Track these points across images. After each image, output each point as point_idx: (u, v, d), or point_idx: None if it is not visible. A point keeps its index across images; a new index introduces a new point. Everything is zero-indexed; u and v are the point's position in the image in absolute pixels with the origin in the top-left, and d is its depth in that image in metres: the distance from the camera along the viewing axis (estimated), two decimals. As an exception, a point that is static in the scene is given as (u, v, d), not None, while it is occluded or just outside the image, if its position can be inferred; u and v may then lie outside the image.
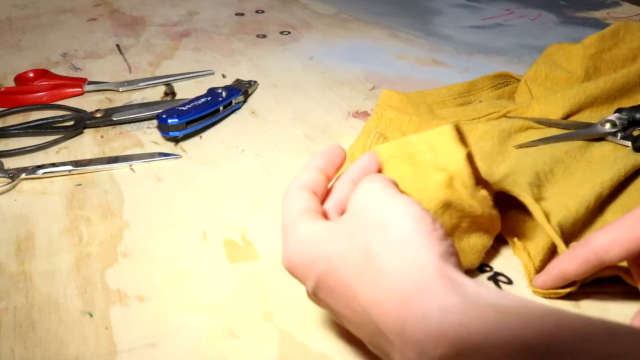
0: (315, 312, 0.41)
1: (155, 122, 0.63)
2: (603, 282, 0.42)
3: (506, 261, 0.45)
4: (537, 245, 0.44)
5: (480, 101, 0.65)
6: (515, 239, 0.45)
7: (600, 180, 0.48)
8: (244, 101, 0.68)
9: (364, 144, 0.55)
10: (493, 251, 0.46)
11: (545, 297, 0.42)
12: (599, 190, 0.47)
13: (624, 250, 0.37)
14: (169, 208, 0.52)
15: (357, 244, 0.32)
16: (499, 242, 0.46)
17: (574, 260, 0.39)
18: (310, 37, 0.85)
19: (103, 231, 0.49)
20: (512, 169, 0.49)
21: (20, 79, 0.72)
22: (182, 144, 0.61)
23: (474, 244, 0.43)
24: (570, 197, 0.47)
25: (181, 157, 0.59)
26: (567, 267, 0.40)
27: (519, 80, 0.67)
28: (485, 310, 0.28)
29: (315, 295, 0.35)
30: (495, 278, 0.44)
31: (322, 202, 0.38)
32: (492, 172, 0.50)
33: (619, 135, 0.55)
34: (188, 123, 0.60)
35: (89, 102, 0.68)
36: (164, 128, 0.60)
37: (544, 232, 0.43)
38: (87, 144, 0.61)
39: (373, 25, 0.89)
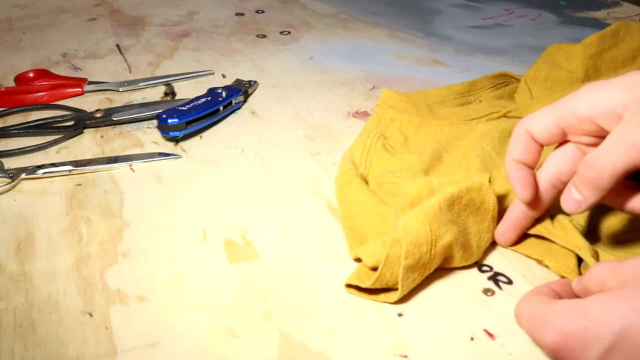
0: (315, 312, 0.41)
1: (155, 122, 0.63)
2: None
3: (506, 261, 0.45)
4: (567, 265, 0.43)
5: (480, 101, 0.65)
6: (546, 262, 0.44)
7: None
8: (244, 101, 0.68)
9: (364, 144, 0.55)
10: (493, 251, 0.46)
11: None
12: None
13: (544, 123, 0.40)
14: (169, 208, 0.52)
15: None
16: (499, 242, 0.46)
17: (513, 141, 0.41)
18: (310, 37, 0.85)
19: (103, 231, 0.49)
20: None
21: (20, 79, 0.72)
22: (182, 144, 0.61)
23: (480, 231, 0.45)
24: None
25: (181, 157, 0.59)
26: (513, 153, 0.41)
27: (519, 80, 0.67)
28: None
29: None
30: (495, 278, 0.44)
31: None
32: (493, 177, 0.50)
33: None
34: (188, 123, 0.60)
35: (89, 102, 0.68)
36: (164, 128, 0.60)
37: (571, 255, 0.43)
38: (87, 144, 0.61)
39: (373, 25, 0.89)
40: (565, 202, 0.40)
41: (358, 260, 0.45)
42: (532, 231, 0.45)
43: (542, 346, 0.34)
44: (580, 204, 0.39)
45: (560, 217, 0.45)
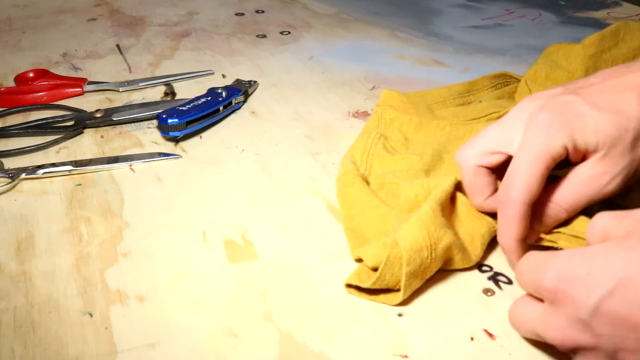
0: (315, 312, 0.41)
1: (155, 122, 0.63)
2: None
3: (506, 261, 0.45)
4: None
5: (480, 101, 0.65)
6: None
7: None
8: (244, 101, 0.68)
9: (365, 144, 0.55)
10: (493, 251, 0.46)
11: None
12: None
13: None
14: (169, 208, 0.52)
15: None
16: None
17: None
18: (310, 37, 0.85)
19: (103, 231, 0.49)
20: None
21: (20, 79, 0.72)
22: (182, 144, 0.61)
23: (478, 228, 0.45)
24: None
25: (181, 157, 0.59)
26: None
27: (519, 80, 0.67)
28: None
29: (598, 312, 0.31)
30: (495, 278, 0.44)
31: None
32: None
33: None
34: (188, 123, 0.60)
35: (89, 102, 0.68)
36: (164, 128, 0.60)
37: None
38: (87, 144, 0.61)
39: (373, 25, 0.89)
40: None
41: (359, 260, 0.45)
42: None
43: (542, 289, 0.34)
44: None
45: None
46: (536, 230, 0.42)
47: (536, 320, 0.35)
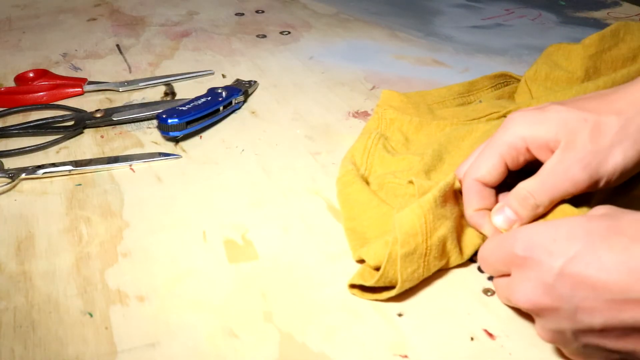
0: (315, 312, 0.41)
1: (155, 122, 0.63)
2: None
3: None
4: None
5: (480, 101, 0.65)
6: None
7: None
8: (244, 101, 0.68)
9: (365, 144, 0.55)
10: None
11: None
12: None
13: (491, 166, 0.44)
14: (169, 208, 0.52)
15: None
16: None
17: (466, 194, 0.45)
18: (310, 37, 0.85)
19: (103, 231, 0.49)
20: None
21: (20, 79, 0.72)
22: (182, 144, 0.61)
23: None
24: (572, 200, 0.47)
25: (181, 157, 0.59)
26: (471, 204, 0.45)
27: (519, 80, 0.67)
28: None
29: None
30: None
31: None
32: None
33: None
34: (188, 123, 0.60)
35: (89, 102, 0.68)
36: (164, 128, 0.60)
37: None
38: (87, 144, 0.61)
39: (373, 25, 0.89)
40: (498, 220, 0.44)
41: (361, 261, 0.45)
42: None
43: (512, 257, 0.36)
44: (513, 222, 0.43)
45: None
46: (512, 220, 0.43)
47: (505, 288, 0.38)
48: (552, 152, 0.42)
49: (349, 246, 0.47)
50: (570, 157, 0.41)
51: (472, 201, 0.45)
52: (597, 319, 0.32)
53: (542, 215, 0.43)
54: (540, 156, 0.43)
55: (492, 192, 0.45)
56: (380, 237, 0.45)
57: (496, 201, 0.45)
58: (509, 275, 0.38)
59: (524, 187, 0.42)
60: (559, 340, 0.36)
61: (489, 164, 0.44)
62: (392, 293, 0.41)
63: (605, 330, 0.32)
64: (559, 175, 0.41)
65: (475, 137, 0.56)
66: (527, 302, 0.35)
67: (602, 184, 0.41)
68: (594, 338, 0.33)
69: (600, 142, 0.40)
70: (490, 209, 0.45)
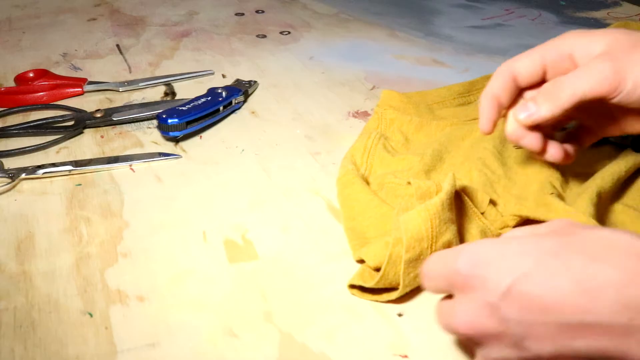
0: (315, 312, 0.41)
1: (155, 122, 0.63)
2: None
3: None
4: None
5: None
6: None
7: (601, 178, 0.48)
8: (244, 101, 0.68)
9: (365, 144, 0.55)
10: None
11: None
12: (600, 187, 0.47)
13: (530, 62, 0.44)
14: (169, 208, 0.52)
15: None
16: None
17: (494, 78, 0.45)
18: (310, 37, 0.85)
19: (103, 231, 0.49)
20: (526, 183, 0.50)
21: (20, 79, 0.72)
22: (182, 144, 0.61)
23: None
24: (571, 197, 0.47)
25: (181, 157, 0.59)
26: (493, 88, 0.44)
27: (519, 80, 0.67)
28: None
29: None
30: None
31: None
32: (492, 180, 0.50)
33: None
34: (188, 123, 0.60)
35: (89, 102, 0.68)
36: (164, 128, 0.60)
37: None
38: (87, 144, 0.61)
39: (373, 25, 0.89)
40: (517, 110, 0.43)
41: (361, 261, 0.45)
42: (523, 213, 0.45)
43: (454, 274, 0.32)
44: (531, 114, 0.42)
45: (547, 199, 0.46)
46: (531, 113, 0.43)
47: (445, 310, 0.33)
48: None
49: (349, 246, 0.47)
50: (603, 58, 0.40)
51: (494, 85, 0.44)
52: (547, 346, 0.29)
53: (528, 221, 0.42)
54: (582, 64, 0.42)
55: (515, 90, 0.44)
56: (380, 237, 0.45)
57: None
58: (451, 297, 0.34)
59: (551, 80, 0.42)
60: None
61: (528, 59, 0.43)
62: (393, 296, 0.41)
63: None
64: (587, 70, 0.40)
65: (476, 137, 0.56)
66: (467, 325, 0.31)
67: (621, 93, 0.40)
68: None
69: (635, 54, 0.40)
70: (504, 105, 0.44)
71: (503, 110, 0.45)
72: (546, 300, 0.28)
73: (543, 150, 0.45)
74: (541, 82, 0.44)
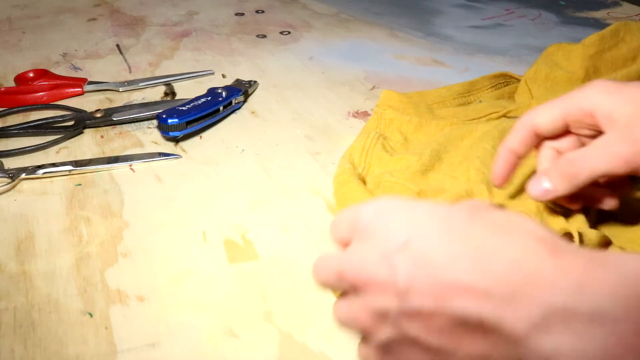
0: (315, 312, 0.41)
1: (155, 122, 0.63)
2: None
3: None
4: None
5: (480, 101, 0.65)
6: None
7: None
8: (244, 101, 0.68)
9: (364, 144, 0.55)
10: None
11: None
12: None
13: (550, 116, 0.42)
14: (169, 208, 0.52)
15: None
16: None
17: (514, 131, 0.43)
18: (310, 37, 0.85)
19: (103, 231, 0.49)
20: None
21: (20, 79, 0.72)
22: (182, 144, 0.61)
23: None
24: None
25: (181, 157, 0.59)
26: (510, 142, 0.43)
27: (519, 80, 0.67)
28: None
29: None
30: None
31: None
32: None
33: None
34: (188, 123, 0.60)
35: (89, 102, 0.68)
36: (164, 128, 0.60)
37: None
38: (87, 144, 0.61)
39: (373, 25, 0.89)
40: (532, 189, 0.42)
41: None
42: None
43: (355, 223, 0.32)
44: (548, 192, 0.41)
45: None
46: (547, 190, 0.41)
47: (340, 258, 0.32)
48: (614, 126, 0.40)
49: None
50: (623, 133, 0.38)
51: (514, 139, 0.43)
52: (428, 302, 0.29)
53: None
54: (604, 126, 0.40)
55: (535, 142, 0.43)
56: None
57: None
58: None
59: (566, 156, 0.40)
60: (372, 326, 0.31)
61: (549, 113, 0.42)
62: None
63: (431, 318, 0.29)
64: (605, 148, 0.39)
65: (476, 137, 0.56)
66: (359, 268, 0.31)
67: None
68: (416, 326, 0.29)
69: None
70: (521, 156, 0.43)
71: (519, 162, 0.44)
72: (438, 260, 0.29)
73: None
74: (563, 133, 0.43)
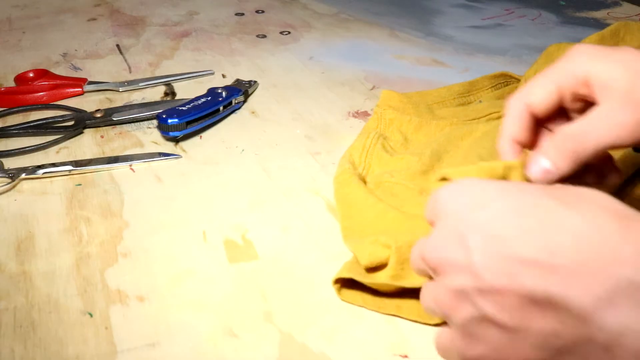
0: (315, 312, 0.41)
1: (155, 122, 0.63)
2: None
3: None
4: None
5: (480, 101, 0.65)
6: None
7: None
8: (244, 101, 0.68)
9: (364, 144, 0.55)
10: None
11: None
12: None
13: (544, 92, 0.38)
14: (169, 208, 0.52)
15: None
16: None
17: (510, 119, 0.39)
18: (310, 37, 0.85)
19: (103, 231, 0.49)
20: None
21: (20, 79, 0.72)
22: (182, 144, 0.61)
23: None
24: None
25: (181, 157, 0.59)
26: (510, 131, 0.39)
27: (519, 80, 0.67)
28: None
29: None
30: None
31: None
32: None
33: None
34: (188, 123, 0.60)
35: (89, 102, 0.68)
36: (164, 128, 0.60)
37: None
38: (87, 144, 0.61)
39: (373, 25, 0.89)
40: (532, 170, 0.38)
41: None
42: None
43: (436, 201, 0.33)
44: (548, 173, 0.37)
45: None
46: (548, 171, 0.37)
47: (421, 246, 0.33)
48: (612, 95, 0.36)
49: (345, 244, 0.46)
50: (624, 101, 0.35)
51: (513, 127, 0.39)
52: (500, 279, 0.29)
53: None
54: (598, 95, 0.37)
55: (534, 126, 0.39)
56: (374, 235, 0.44)
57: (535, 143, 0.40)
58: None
59: (563, 130, 0.36)
60: (453, 307, 0.31)
61: (542, 89, 0.38)
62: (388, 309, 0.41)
63: (503, 295, 0.29)
64: (607, 118, 0.36)
65: (476, 137, 0.56)
66: (436, 251, 0.32)
67: None
68: (491, 304, 0.30)
69: None
70: (527, 146, 0.39)
71: (527, 149, 0.40)
72: (507, 236, 0.29)
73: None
74: (559, 109, 0.39)
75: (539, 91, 0.38)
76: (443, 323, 0.34)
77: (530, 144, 0.40)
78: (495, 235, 0.30)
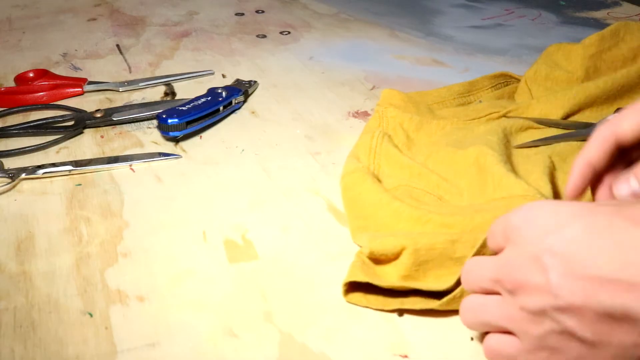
0: (315, 312, 0.41)
1: (155, 122, 0.63)
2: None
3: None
4: None
5: (480, 101, 0.65)
6: None
7: None
8: (244, 101, 0.68)
9: (370, 144, 0.54)
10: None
11: None
12: None
13: (634, 123, 0.38)
14: (169, 208, 0.52)
15: None
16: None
17: (593, 142, 0.39)
18: (310, 37, 0.85)
19: (103, 231, 0.49)
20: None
21: (20, 79, 0.72)
22: (182, 144, 0.61)
23: None
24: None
25: (181, 157, 0.59)
26: (590, 154, 0.39)
27: (519, 80, 0.67)
28: None
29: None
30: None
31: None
32: (488, 181, 0.50)
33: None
34: (188, 123, 0.60)
35: (89, 102, 0.68)
36: (164, 128, 0.60)
37: None
38: (87, 144, 0.61)
39: (373, 25, 0.89)
40: (620, 189, 0.39)
41: (374, 260, 0.43)
42: None
43: (506, 228, 0.35)
44: (636, 194, 0.38)
45: None
46: (638, 193, 0.38)
47: (499, 265, 0.35)
48: None
49: (358, 243, 0.46)
50: None
51: (594, 150, 0.39)
52: (578, 298, 0.31)
53: None
54: None
55: (614, 154, 0.39)
56: (394, 233, 0.44)
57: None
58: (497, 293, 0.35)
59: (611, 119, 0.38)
60: (528, 324, 0.33)
61: (632, 120, 0.38)
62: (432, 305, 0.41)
63: (582, 313, 0.31)
64: None
65: (476, 134, 0.56)
66: (514, 273, 0.33)
67: None
68: (571, 320, 0.31)
69: None
70: (600, 172, 0.40)
71: (596, 177, 0.41)
72: (582, 256, 0.31)
73: None
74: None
75: (631, 120, 0.39)
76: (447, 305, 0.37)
77: (603, 170, 0.40)
78: (571, 257, 0.31)
